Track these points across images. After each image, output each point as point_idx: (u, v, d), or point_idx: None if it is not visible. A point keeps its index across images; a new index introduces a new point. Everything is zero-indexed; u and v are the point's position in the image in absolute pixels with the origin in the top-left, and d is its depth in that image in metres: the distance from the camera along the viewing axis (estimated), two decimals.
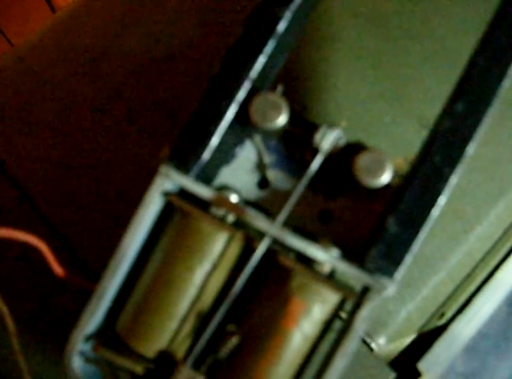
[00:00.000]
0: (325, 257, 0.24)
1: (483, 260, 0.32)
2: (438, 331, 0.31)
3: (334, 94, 0.32)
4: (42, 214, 0.33)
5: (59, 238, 0.32)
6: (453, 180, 0.24)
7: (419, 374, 0.30)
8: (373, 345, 0.30)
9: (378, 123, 0.31)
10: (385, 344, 0.30)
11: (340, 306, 0.25)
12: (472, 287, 0.32)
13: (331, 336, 0.25)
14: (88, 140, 0.34)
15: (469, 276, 0.32)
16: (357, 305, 0.24)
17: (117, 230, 0.26)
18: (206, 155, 0.25)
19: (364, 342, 0.30)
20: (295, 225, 0.27)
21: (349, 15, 0.33)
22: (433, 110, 0.26)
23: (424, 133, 0.26)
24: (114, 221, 0.30)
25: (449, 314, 0.32)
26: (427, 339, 0.31)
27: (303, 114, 0.28)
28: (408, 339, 0.31)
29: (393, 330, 0.30)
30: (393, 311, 0.30)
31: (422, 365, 0.30)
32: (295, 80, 0.32)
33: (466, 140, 0.24)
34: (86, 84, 0.36)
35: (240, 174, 0.28)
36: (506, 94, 0.25)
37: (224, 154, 0.27)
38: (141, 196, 0.25)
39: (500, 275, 0.32)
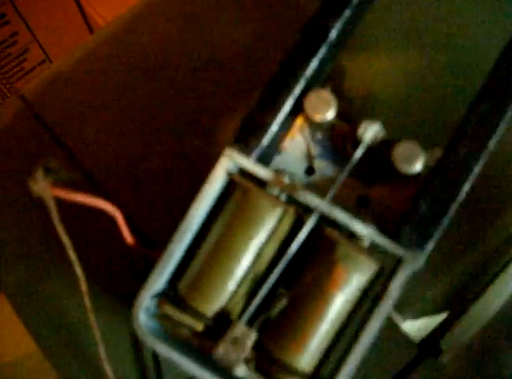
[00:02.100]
0: (366, 231, 0.30)
1: (500, 250, 0.38)
2: (458, 313, 0.37)
3: (372, 97, 0.38)
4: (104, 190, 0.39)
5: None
6: (477, 170, 0.30)
7: (440, 351, 0.36)
8: (399, 321, 0.36)
9: (410, 123, 0.38)
10: (411, 320, 0.36)
11: (377, 276, 0.31)
12: (488, 278, 0.38)
13: (368, 304, 0.31)
14: (149, 133, 0.41)
15: (485, 266, 0.38)
16: (392, 275, 0.30)
17: (176, 205, 0.32)
18: (265, 141, 0.31)
19: (393, 318, 0.36)
20: None
21: (388, 30, 0.39)
22: (459, 113, 0.32)
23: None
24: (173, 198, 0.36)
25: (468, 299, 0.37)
26: (447, 320, 0.37)
27: (346, 112, 0.34)
28: (434, 320, 0.37)
29: (419, 309, 0.36)
30: (420, 292, 0.36)
31: (444, 343, 0.36)
32: (338, 84, 0.38)
33: (489, 135, 0.30)
34: (145, 87, 0.42)
35: (290, 163, 0.34)
36: None
37: (278, 143, 0.33)
38: (195, 177, 0.31)
39: None
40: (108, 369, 0.33)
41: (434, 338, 0.36)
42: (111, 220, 0.32)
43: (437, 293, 0.36)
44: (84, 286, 0.33)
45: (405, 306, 0.36)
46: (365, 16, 0.34)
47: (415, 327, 0.36)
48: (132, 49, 0.44)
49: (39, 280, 0.38)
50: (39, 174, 0.27)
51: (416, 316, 0.36)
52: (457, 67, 0.39)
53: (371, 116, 0.32)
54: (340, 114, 0.33)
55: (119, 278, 0.37)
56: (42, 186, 0.28)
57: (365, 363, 0.35)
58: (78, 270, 0.32)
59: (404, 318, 0.36)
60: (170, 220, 0.32)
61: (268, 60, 0.38)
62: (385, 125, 0.33)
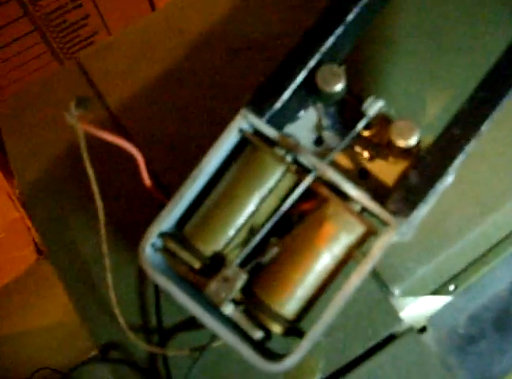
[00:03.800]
0: (356, 193, 0.34)
1: (497, 245, 0.41)
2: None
3: (387, 84, 0.42)
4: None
5: None
6: (468, 149, 0.33)
7: (424, 328, 0.39)
8: (387, 294, 0.39)
9: (419, 113, 0.41)
10: (399, 296, 0.39)
11: (364, 238, 0.34)
12: (484, 268, 0.40)
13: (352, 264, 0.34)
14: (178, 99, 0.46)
15: (482, 257, 0.40)
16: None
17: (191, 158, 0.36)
18: (278, 105, 0.35)
19: (382, 291, 0.39)
20: None
21: (411, 26, 0.43)
22: None
23: None
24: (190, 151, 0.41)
25: (461, 288, 0.40)
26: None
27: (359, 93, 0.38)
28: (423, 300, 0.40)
29: (408, 286, 0.39)
30: (410, 269, 0.39)
31: (428, 321, 0.39)
32: (359, 69, 0.42)
33: (482, 119, 0.33)
34: (188, 61, 0.48)
35: (301, 132, 0.38)
36: None
37: (292, 112, 0.37)
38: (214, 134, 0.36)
39: (510, 261, 0.40)
40: (113, 297, 0.37)
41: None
42: (133, 163, 0.37)
43: (427, 271, 0.39)
44: (101, 216, 0.37)
45: (395, 280, 0.39)
46: (389, 12, 0.39)
47: (404, 304, 0.39)
48: (179, 27, 0.49)
49: (65, 213, 0.43)
50: (72, 105, 0.32)
51: (404, 292, 0.39)
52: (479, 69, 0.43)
53: (385, 100, 0.36)
54: (354, 95, 0.37)
55: (135, 217, 0.41)
56: (74, 117, 0.33)
57: (348, 327, 0.38)
58: (98, 201, 0.37)
59: (393, 292, 0.39)
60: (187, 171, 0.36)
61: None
62: (397, 109, 0.36)
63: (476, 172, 0.40)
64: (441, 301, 0.40)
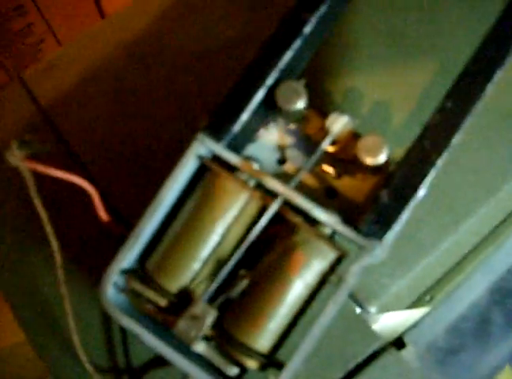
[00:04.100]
0: (327, 218, 0.32)
1: (472, 252, 0.39)
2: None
3: (350, 94, 0.40)
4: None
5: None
6: (440, 164, 0.32)
7: (403, 345, 0.37)
8: (363, 313, 0.37)
9: (386, 123, 0.39)
10: (375, 314, 0.37)
11: (336, 263, 0.32)
12: (460, 277, 0.39)
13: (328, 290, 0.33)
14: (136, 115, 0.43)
15: (458, 266, 0.39)
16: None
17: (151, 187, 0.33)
18: (236, 127, 0.33)
19: (357, 310, 0.37)
20: None
21: (371, 29, 0.41)
22: None
23: None
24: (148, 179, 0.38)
25: (438, 298, 0.39)
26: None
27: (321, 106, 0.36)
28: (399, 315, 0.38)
29: (384, 302, 0.37)
30: (385, 285, 0.37)
31: (407, 337, 0.37)
32: (320, 81, 0.40)
33: (453, 131, 0.32)
34: (137, 75, 0.45)
35: (263, 152, 0.35)
36: None
37: (251, 132, 0.35)
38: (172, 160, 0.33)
39: (486, 266, 0.39)
40: (76, 339, 0.35)
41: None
42: (89, 197, 0.34)
43: (402, 285, 0.38)
44: (58, 258, 0.35)
45: (370, 298, 0.37)
46: (346, 16, 0.36)
47: (380, 320, 0.38)
48: (130, 37, 0.46)
49: (18, 254, 0.40)
50: (14, 146, 0.29)
51: (381, 308, 0.37)
52: (441, 69, 0.41)
53: (349, 111, 0.34)
54: (316, 109, 0.35)
55: (94, 254, 0.39)
56: (17, 158, 0.30)
57: (325, 350, 0.37)
58: (54, 243, 0.34)
59: (369, 310, 0.37)
60: (146, 202, 0.34)
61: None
62: (361, 126, 0.34)
63: (447, 179, 0.39)
64: (417, 314, 0.38)
